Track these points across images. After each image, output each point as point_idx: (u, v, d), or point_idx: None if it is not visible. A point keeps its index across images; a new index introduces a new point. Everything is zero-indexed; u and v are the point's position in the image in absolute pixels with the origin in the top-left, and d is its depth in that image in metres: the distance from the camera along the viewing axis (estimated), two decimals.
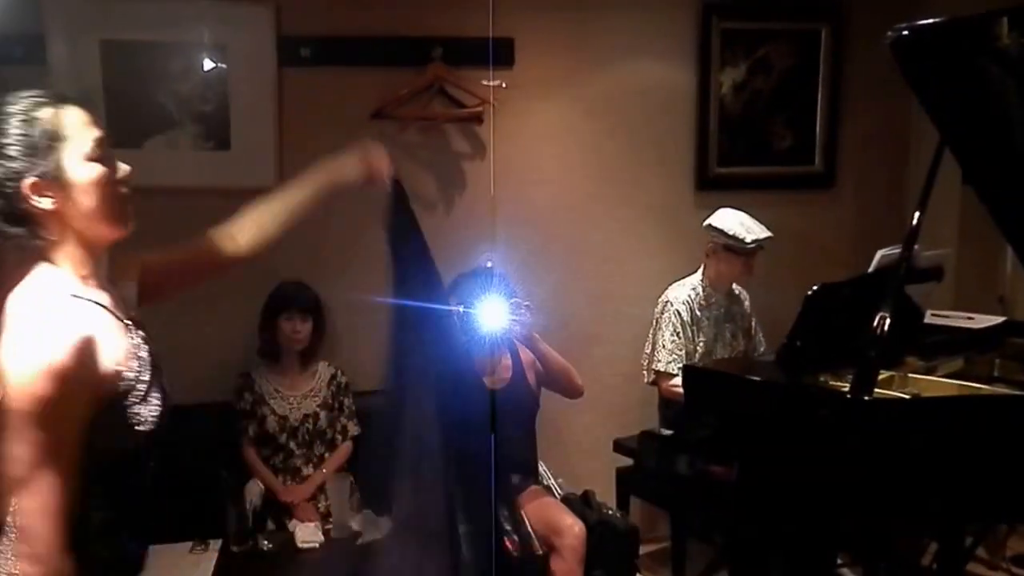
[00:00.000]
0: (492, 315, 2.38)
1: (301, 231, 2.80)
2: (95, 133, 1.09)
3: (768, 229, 2.73)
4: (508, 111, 2.86)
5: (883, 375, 1.95)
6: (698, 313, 2.78)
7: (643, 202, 3.14)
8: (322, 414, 2.67)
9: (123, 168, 1.13)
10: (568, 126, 3.04)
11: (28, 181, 1.04)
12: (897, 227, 3.19)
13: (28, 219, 1.06)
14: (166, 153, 2.78)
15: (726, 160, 3.19)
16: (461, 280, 2.65)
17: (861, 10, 3.20)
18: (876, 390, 1.81)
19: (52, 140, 1.06)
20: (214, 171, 2.80)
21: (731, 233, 2.67)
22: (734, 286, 2.86)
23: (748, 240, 2.65)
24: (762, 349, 2.87)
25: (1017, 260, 2.01)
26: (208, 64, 2.77)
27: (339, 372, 2.76)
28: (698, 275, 2.83)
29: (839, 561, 2.28)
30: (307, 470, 2.63)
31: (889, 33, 1.68)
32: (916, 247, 1.97)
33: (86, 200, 1.07)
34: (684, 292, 2.78)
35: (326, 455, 2.66)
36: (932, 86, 1.75)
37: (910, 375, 2.09)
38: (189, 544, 2.24)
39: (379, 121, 2.78)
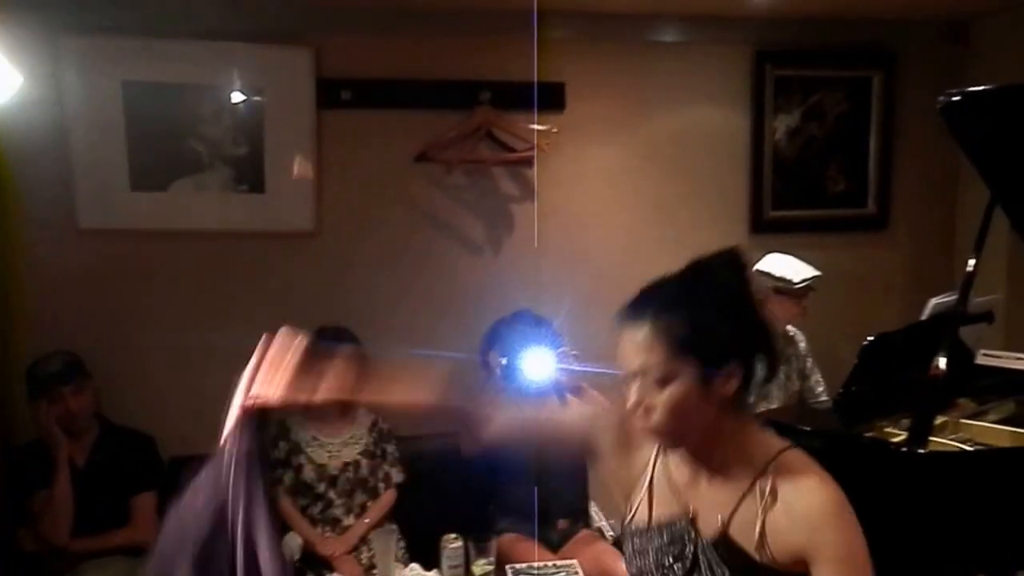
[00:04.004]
0: (538, 365, 2.75)
1: (338, 273, 3.26)
2: (622, 364, 1.29)
3: (821, 270, 3.08)
4: (559, 154, 3.25)
5: (937, 421, 2.29)
6: None
7: (697, 245, 3.44)
8: (363, 462, 2.94)
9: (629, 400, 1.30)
10: (620, 170, 3.43)
11: None
12: (948, 267, 3.69)
13: None
14: (194, 196, 3.09)
15: (780, 203, 3.62)
16: (502, 327, 3.04)
17: (912, 58, 3.66)
18: (930, 438, 2.18)
19: None
20: (248, 214, 3.14)
21: (779, 275, 3.05)
22: (788, 327, 3.22)
23: (797, 281, 3.03)
24: (820, 389, 3.22)
25: None
26: (242, 107, 3.10)
27: (380, 419, 3.04)
28: None
29: None
30: (348, 520, 2.89)
31: (940, 98, 2.11)
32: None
33: None
34: None
35: (368, 504, 2.92)
36: (981, 147, 2.18)
37: (963, 421, 2.43)
38: None
39: (423, 164, 3.18)
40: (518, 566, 2.59)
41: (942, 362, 2.24)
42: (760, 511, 1.25)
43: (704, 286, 1.30)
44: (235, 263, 3.19)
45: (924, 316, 2.64)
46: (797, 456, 1.29)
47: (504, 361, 2.86)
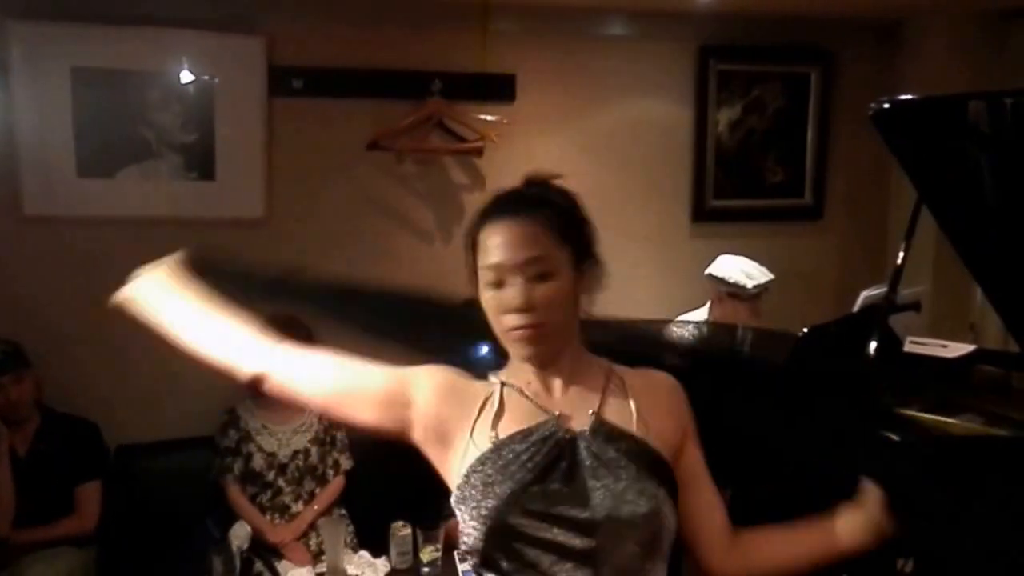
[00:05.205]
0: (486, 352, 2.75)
1: (288, 260, 3.19)
2: (499, 258, 1.19)
3: (757, 259, 3.07)
4: (508, 145, 3.19)
5: None
6: None
7: (641, 233, 3.53)
8: (313, 449, 2.88)
9: (509, 300, 1.20)
10: (568, 160, 3.36)
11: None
12: (879, 255, 3.73)
13: None
14: (142, 183, 2.98)
15: (721, 193, 3.64)
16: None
17: (848, 56, 3.70)
18: None
19: (469, 253, 1.25)
20: (197, 202, 3.04)
21: (732, 281, 2.99)
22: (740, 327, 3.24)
23: (750, 286, 2.97)
24: None
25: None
26: (193, 94, 2.99)
27: None
28: (703, 314, 3.17)
29: None
30: (297, 507, 2.83)
31: (872, 105, 2.12)
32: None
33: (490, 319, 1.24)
34: None
35: (317, 491, 2.87)
36: (911, 153, 2.21)
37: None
38: None
39: (374, 153, 3.11)
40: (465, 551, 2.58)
41: (872, 349, 2.27)
42: (628, 397, 1.26)
43: (557, 192, 1.28)
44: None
45: (856, 308, 2.67)
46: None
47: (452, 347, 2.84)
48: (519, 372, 1.28)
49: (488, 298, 1.23)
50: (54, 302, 2.96)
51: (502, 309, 1.21)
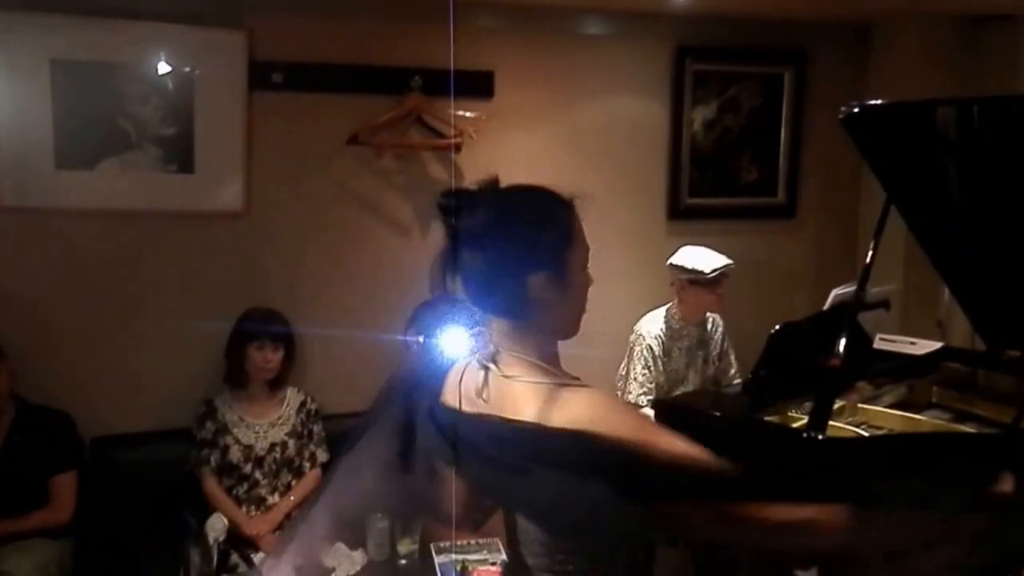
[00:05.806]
0: (453, 345, 2.73)
1: (267, 254, 3.17)
2: (587, 241, 1.26)
3: (732, 256, 3.09)
4: (486, 141, 3.18)
5: (836, 405, 2.33)
6: (668, 344, 3.16)
7: (617, 230, 3.52)
8: (290, 442, 2.87)
9: (590, 279, 1.28)
10: (545, 157, 3.38)
11: (539, 275, 1.20)
12: (850, 253, 3.78)
13: (523, 307, 1.21)
14: (121, 175, 2.93)
15: (696, 191, 3.65)
16: (421, 310, 3.01)
17: (821, 57, 3.73)
18: (829, 423, 2.24)
19: (566, 241, 1.23)
20: (176, 194, 2.99)
21: (691, 267, 3.05)
22: (708, 315, 3.24)
23: (708, 271, 3.03)
24: (732, 372, 3.26)
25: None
26: (173, 87, 2.94)
27: (309, 398, 2.96)
28: (669, 307, 3.22)
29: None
30: (273, 499, 2.81)
31: (842, 109, 2.15)
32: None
33: (567, 303, 1.24)
34: (656, 326, 3.16)
35: (293, 484, 2.85)
36: (880, 156, 2.23)
37: (860, 405, 2.48)
38: None
39: (353, 147, 3.08)
40: (442, 544, 2.59)
41: (842, 346, 2.29)
42: None
43: None
44: (163, 243, 3.04)
45: (827, 306, 2.70)
46: None
47: (421, 340, 2.84)
48: (549, 357, 1.29)
49: (583, 279, 1.27)
50: (30, 293, 2.91)
51: (588, 288, 1.29)
